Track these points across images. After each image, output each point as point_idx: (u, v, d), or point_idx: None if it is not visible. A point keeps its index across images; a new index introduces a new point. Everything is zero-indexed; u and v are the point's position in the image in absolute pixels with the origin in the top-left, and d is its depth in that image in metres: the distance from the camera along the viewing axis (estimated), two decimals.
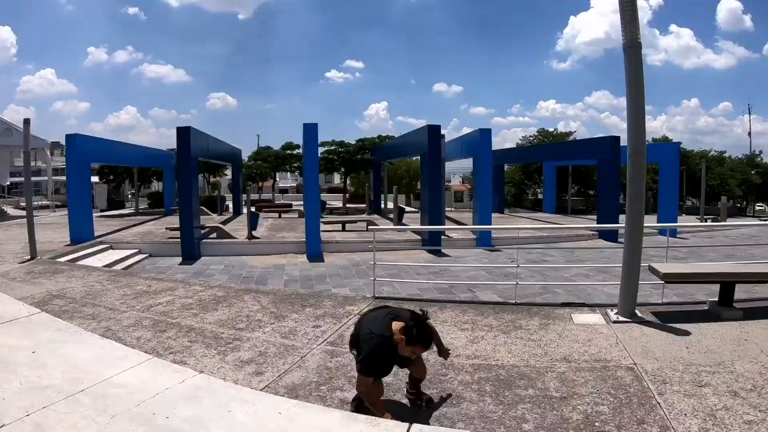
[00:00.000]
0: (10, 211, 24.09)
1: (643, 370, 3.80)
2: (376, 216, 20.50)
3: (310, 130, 12.23)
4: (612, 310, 5.17)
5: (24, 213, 24.08)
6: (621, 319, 4.97)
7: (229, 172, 33.58)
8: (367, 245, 10.62)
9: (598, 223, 15.47)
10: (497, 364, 3.98)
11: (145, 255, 11.86)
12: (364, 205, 23.89)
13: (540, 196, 30.32)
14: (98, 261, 10.31)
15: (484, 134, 13.85)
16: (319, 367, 3.94)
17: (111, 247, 11.99)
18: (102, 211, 25.74)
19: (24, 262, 8.91)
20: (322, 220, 15.96)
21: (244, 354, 4.24)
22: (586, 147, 19.11)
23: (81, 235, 12.05)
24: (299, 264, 10.83)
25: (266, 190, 43.29)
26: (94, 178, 32.37)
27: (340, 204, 29.18)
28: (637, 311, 5.08)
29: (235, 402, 2.70)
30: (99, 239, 12.43)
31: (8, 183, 30.06)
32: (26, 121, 9.71)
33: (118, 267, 10.01)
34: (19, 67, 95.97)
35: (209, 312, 5.56)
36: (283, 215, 20.35)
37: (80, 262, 9.68)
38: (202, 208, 23.20)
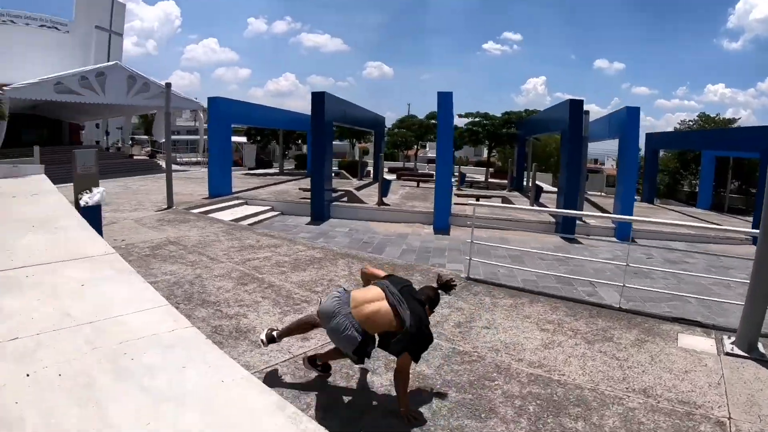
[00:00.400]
0: (164, 164, 28.36)
1: (737, 430, 2.99)
2: (515, 193, 19.76)
3: (445, 98, 12.01)
4: (729, 338, 4.28)
5: (175, 166, 28.37)
6: (736, 351, 4.07)
7: None
8: (498, 222, 10.61)
9: (753, 227, 12.71)
10: (558, 381, 3.54)
11: (277, 213, 12.94)
12: (507, 181, 22.97)
13: (695, 189, 26.00)
14: (230, 215, 11.37)
15: (632, 112, 12.38)
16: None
17: (246, 203, 13.15)
18: (250, 169, 28.19)
19: (160, 210, 10.25)
20: (456, 192, 15.75)
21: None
22: (747, 136, 16.11)
23: (219, 189, 13.38)
24: (423, 235, 10.94)
25: (414, 159, 44.05)
26: (242, 139, 35.49)
27: (482, 178, 28.58)
28: (759, 344, 4.10)
29: (198, 361, 2.84)
30: (236, 195, 13.66)
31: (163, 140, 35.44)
32: (168, 85, 11.91)
33: (247, 222, 10.93)
34: (184, 38, 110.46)
35: (297, 272, 5.92)
36: (421, 185, 20.50)
37: (211, 215, 10.76)
38: (343, 171, 24.12)
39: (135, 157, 28.07)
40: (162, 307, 3.45)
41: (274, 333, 3.37)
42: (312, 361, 3.38)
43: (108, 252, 5.35)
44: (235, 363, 2.94)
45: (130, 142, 34.56)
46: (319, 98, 12.95)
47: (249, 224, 10.82)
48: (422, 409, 3.06)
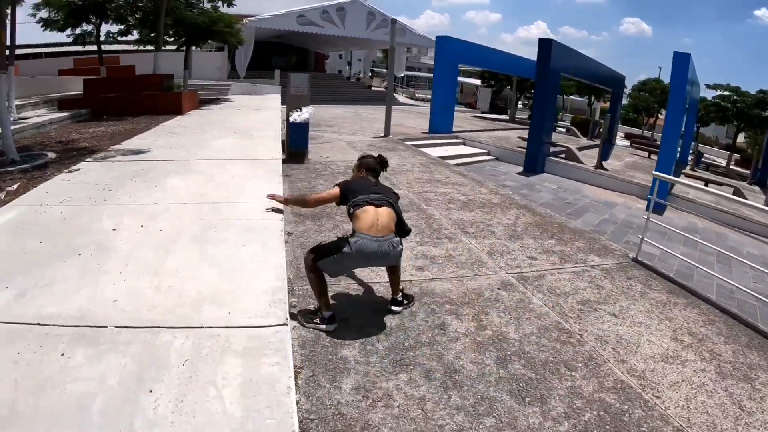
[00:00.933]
0: (401, 98, 29.35)
1: None
2: (755, 188, 16.18)
3: (681, 60, 10.14)
4: None
5: (410, 101, 29.53)
6: None
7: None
8: (720, 215, 9.44)
9: None
10: (646, 402, 2.57)
11: (492, 158, 12.41)
12: (749, 171, 18.29)
13: None
14: (441, 151, 11.14)
15: None
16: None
17: (463, 143, 12.86)
18: (482, 113, 27.60)
19: (375, 137, 10.63)
20: (686, 171, 14.35)
21: (437, 251, 4.33)
22: None
23: (439, 126, 13.34)
24: (633, 209, 9.36)
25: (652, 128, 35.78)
26: (476, 81, 34.69)
27: (723, 162, 23.38)
28: None
29: (256, 243, 3.42)
30: (456, 134, 13.44)
31: (402, 75, 35.43)
32: (393, 21, 12.15)
33: (456, 161, 10.49)
34: None
35: (463, 210, 5.68)
36: (653, 156, 17.27)
37: (422, 149, 10.65)
38: (573, 128, 22.64)
39: (373, 88, 30.06)
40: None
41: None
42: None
43: (274, 158, 6.09)
44: (280, 251, 3.22)
45: (370, 73, 36.81)
46: (545, 46, 11.94)
47: (457, 164, 10.33)
48: (472, 366, 2.73)
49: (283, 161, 7.38)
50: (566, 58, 13.55)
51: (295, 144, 7.59)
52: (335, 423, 2.17)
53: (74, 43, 16.51)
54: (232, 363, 2.04)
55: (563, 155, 12.95)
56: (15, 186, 4.38)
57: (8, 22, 7.39)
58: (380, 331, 2.99)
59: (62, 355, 2.01)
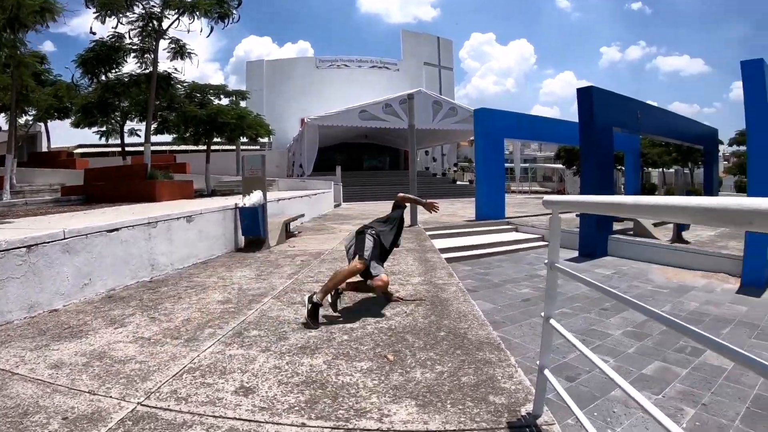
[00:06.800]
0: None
1: None
2: None
3: (753, 70, 7.44)
4: None
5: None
6: None
7: None
8: None
9: None
10: None
11: (546, 243, 10.11)
12: None
13: None
14: (476, 240, 10.05)
15: None
16: None
17: (515, 229, 11.39)
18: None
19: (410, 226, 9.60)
20: None
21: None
22: None
23: (487, 212, 12.06)
24: (716, 293, 6.59)
25: None
26: (559, 165, 32.72)
27: None
28: None
29: None
30: (508, 219, 11.98)
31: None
32: (410, 97, 10.96)
33: (494, 249, 9.58)
34: (540, 73, 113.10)
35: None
36: None
37: (453, 239, 9.92)
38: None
39: (458, 182, 29.99)
40: None
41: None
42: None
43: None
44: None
45: (453, 168, 36.52)
46: (586, 95, 9.74)
47: (494, 252, 9.32)
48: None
49: (238, 250, 6.75)
50: (617, 108, 10.88)
51: (248, 230, 6.84)
52: None
53: (102, 138, 18.01)
54: None
55: (632, 232, 10.36)
56: None
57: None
58: None
59: None
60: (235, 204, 6.96)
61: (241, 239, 6.99)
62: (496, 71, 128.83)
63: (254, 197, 6.81)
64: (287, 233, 8.26)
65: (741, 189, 30.50)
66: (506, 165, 36.04)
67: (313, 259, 6.04)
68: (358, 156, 30.08)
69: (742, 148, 25.66)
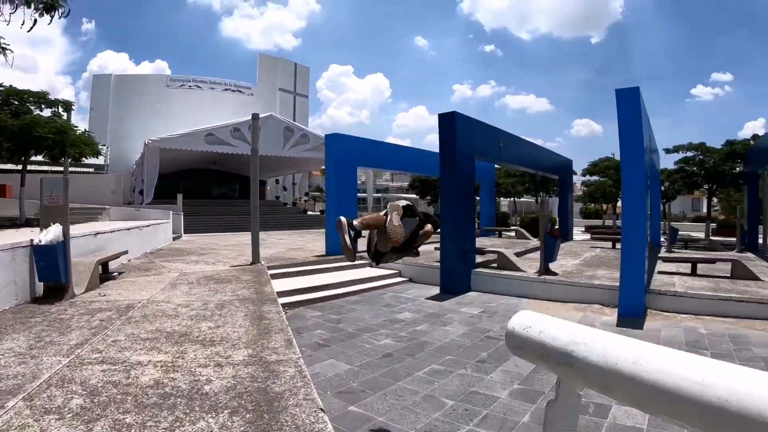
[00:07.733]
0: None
1: None
2: (749, 255, 13.07)
3: (627, 98, 6.99)
4: None
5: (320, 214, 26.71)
6: None
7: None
8: (737, 306, 6.62)
9: None
10: None
11: (404, 279, 10.04)
12: (735, 239, 15.46)
13: None
14: (320, 279, 8.92)
15: None
16: None
17: (370, 264, 9.98)
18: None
19: (237, 266, 8.71)
20: (663, 255, 11.05)
21: None
22: None
23: (339, 247, 11.07)
24: (597, 327, 6.29)
25: (612, 213, 32.75)
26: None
27: (701, 235, 21.56)
28: None
29: None
30: (361, 253, 10.81)
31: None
32: (254, 117, 9.77)
33: (356, 288, 8.73)
34: (394, 106, 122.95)
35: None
36: (617, 245, 14.25)
37: (297, 277, 8.94)
38: (521, 230, 19.40)
39: (309, 213, 28.91)
40: None
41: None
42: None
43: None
44: None
45: (305, 197, 35.69)
46: (447, 121, 9.16)
47: (347, 292, 8.39)
48: None
49: (35, 300, 5.19)
50: (480, 136, 10.39)
51: (45, 275, 5.32)
52: None
53: None
54: None
55: (494, 264, 9.98)
56: None
57: None
58: None
59: None
60: (30, 240, 5.41)
61: (40, 286, 5.45)
62: (352, 102, 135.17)
63: (52, 233, 5.32)
64: (102, 276, 6.77)
65: (587, 215, 34.73)
66: (359, 195, 36.94)
67: (119, 316, 4.64)
68: (206, 183, 27.87)
69: (594, 177, 28.46)
